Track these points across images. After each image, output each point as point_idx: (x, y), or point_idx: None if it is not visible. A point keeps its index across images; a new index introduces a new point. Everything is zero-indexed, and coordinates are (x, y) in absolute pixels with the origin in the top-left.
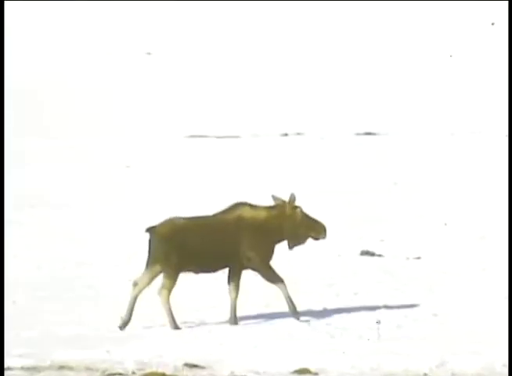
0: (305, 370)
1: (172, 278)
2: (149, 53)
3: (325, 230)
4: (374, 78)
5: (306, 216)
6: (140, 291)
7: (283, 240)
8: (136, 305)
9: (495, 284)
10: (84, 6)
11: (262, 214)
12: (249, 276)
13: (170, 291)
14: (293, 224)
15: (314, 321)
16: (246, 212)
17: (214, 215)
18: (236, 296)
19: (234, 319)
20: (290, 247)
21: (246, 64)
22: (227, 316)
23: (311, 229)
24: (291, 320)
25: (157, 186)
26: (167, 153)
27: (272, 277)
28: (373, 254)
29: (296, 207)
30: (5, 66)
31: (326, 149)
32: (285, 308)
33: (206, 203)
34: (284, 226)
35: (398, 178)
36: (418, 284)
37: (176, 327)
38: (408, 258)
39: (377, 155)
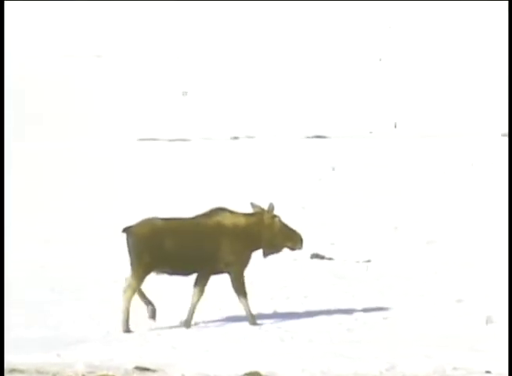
0: (256, 373)
1: (139, 278)
2: (99, 56)
3: (301, 241)
4: (323, 82)
5: (284, 226)
6: (134, 291)
7: (260, 248)
8: (89, 308)
9: (446, 288)
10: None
11: (242, 221)
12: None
13: (134, 291)
14: (271, 233)
15: (265, 324)
16: (227, 218)
17: (193, 219)
18: (198, 300)
19: (189, 323)
20: (265, 255)
21: (198, 68)
22: (178, 319)
23: (289, 239)
24: (243, 324)
25: (108, 189)
26: (118, 155)
27: (240, 287)
28: (323, 258)
29: (275, 216)
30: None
31: (277, 152)
32: (237, 312)
33: (157, 205)
34: (262, 235)
35: (348, 183)
36: (368, 287)
37: (127, 330)
38: (358, 262)
39: (327, 158)
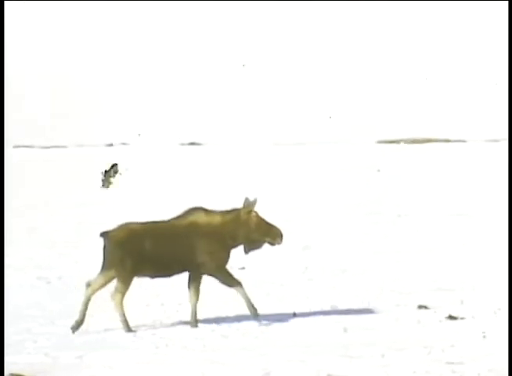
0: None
1: (126, 282)
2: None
3: (281, 235)
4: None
5: (262, 221)
6: (93, 293)
7: (239, 244)
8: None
9: (321, 293)
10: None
11: (217, 219)
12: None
13: (123, 294)
14: (248, 229)
15: (140, 331)
16: (201, 218)
17: (169, 220)
18: (197, 301)
19: (195, 323)
20: (246, 251)
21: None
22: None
23: (267, 234)
24: (117, 331)
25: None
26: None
27: (229, 281)
28: None
29: (251, 211)
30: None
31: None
32: (111, 318)
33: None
34: (239, 231)
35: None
36: None
37: (129, 330)
38: (232, 268)
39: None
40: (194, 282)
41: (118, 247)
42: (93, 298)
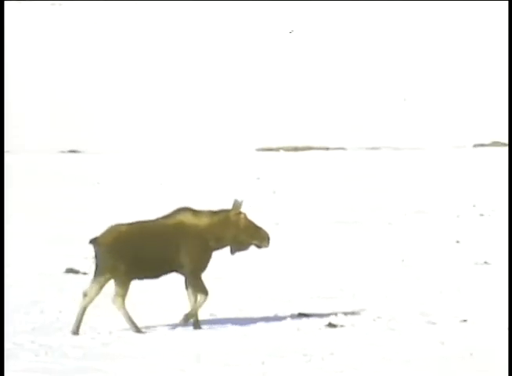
0: None
1: (124, 285)
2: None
3: (268, 239)
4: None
5: (250, 223)
6: (90, 301)
7: (226, 245)
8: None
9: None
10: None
11: (204, 220)
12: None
13: (124, 297)
14: (236, 230)
15: (19, 338)
16: (188, 218)
17: (156, 220)
18: (196, 300)
19: (197, 325)
20: (232, 252)
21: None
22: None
23: (254, 236)
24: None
25: None
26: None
27: (199, 287)
28: (77, 272)
29: (240, 213)
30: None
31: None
32: None
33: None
34: (227, 232)
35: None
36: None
37: (138, 331)
38: None
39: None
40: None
41: (109, 251)
42: None
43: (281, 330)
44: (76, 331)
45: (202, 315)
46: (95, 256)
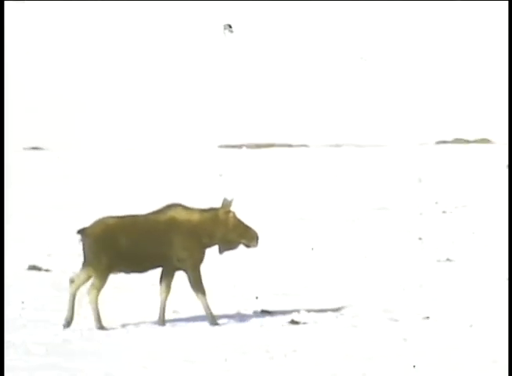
0: None
1: (102, 278)
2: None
3: (257, 238)
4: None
5: (239, 222)
6: (77, 288)
7: (214, 244)
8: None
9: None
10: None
11: (195, 216)
12: None
13: (99, 290)
14: (225, 229)
15: None
16: (180, 214)
17: (147, 215)
18: (167, 297)
19: (162, 320)
20: (221, 251)
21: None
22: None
23: (243, 235)
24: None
25: None
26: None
27: (198, 284)
28: (40, 269)
29: (229, 211)
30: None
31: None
32: None
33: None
34: (216, 230)
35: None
36: (85, 298)
37: (101, 327)
38: (75, 273)
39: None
40: (166, 278)
41: (94, 243)
42: None
43: (244, 327)
44: (69, 321)
45: (166, 313)
46: (82, 246)
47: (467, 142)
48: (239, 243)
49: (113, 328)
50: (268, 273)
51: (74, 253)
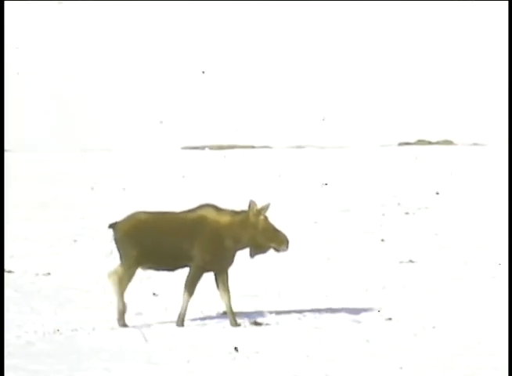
0: None
1: (129, 272)
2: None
3: (287, 242)
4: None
5: (269, 225)
6: (121, 282)
7: (244, 247)
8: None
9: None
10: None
11: (225, 218)
12: None
13: (126, 284)
14: (254, 232)
15: None
16: (210, 214)
17: (179, 213)
18: (229, 298)
19: (234, 322)
20: (252, 255)
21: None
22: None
23: (273, 239)
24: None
25: None
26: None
27: (191, 283)
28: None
29: (259, 214)
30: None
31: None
32: None
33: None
34: (244, 233)
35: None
36: (47, 300)
37: (123, 324)
38: (38, 274)
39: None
40: (220, 278)
41: (123, 237)
42: None
43: (207, 328)
44: (122, 315)
45: (128, 314)
46: (114, 241)
47: (430, 143)
48: (269, 247)
49: (76, 330)
50: (231, 275)
51: (37, 254)
